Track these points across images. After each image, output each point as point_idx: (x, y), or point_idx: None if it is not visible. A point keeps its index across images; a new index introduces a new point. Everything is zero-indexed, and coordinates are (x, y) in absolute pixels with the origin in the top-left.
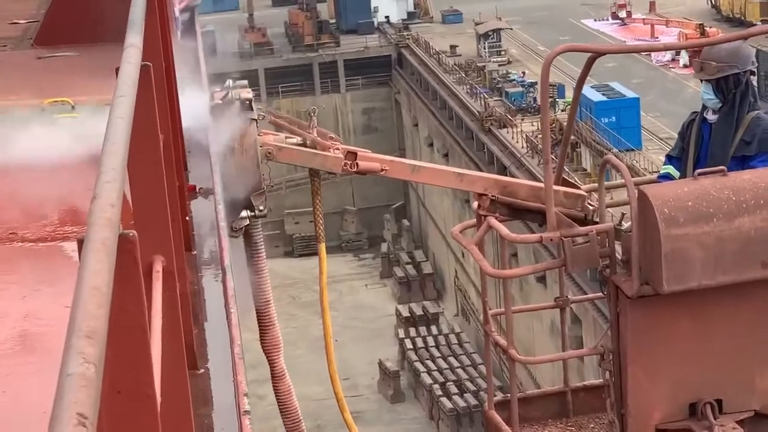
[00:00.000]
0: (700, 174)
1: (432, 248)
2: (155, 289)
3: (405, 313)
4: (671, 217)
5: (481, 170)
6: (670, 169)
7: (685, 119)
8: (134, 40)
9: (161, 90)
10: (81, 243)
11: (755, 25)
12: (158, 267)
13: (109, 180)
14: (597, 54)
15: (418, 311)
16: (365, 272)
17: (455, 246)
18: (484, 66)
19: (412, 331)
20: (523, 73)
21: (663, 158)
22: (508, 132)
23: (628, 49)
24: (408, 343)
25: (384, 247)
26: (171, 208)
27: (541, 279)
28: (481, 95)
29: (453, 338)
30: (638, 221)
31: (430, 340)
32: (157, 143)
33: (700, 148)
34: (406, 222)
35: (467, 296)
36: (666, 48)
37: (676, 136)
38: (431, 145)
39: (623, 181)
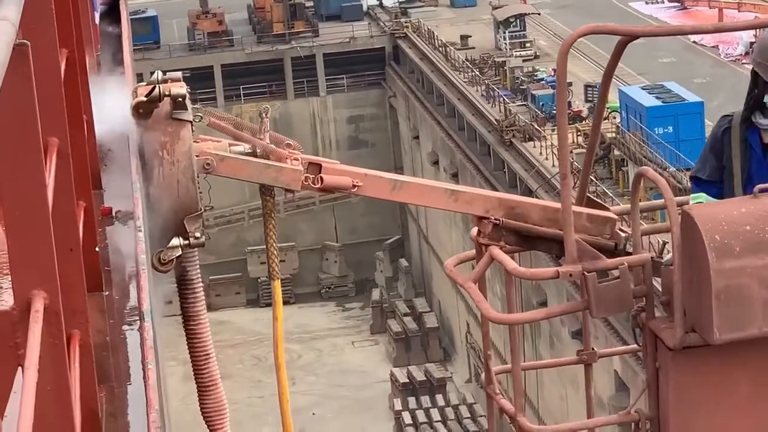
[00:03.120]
0: (761, 191)
1: (437, 295)
2: (32, 333)
3: (402, 379)
4: (724, 245)
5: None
6: (703, 198)
7: (714, 128)
8: (7, 12)
9: (53, 81)
10: None
11: None
12: (38, 305)
13: None
14: (629, 37)
15: (420, 376)
16: (352, 326)
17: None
18: (505, 62)
19: (412, 402)
20: (554, 70)
21: (695, 196)
22: (535, 146)
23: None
24: (406, 417)
25: (376, 293)
26: (65, 233)
27: (577, 334)
28: (501, 99)
29: (464, 410)
30: (682, 251)
31: (435, 413)
32: (37, 147)
33: (749, 163)
34: (404, 262)
35: (482, 357)
36: (720, 29)
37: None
38: (436, 162)
39: (663, 200)
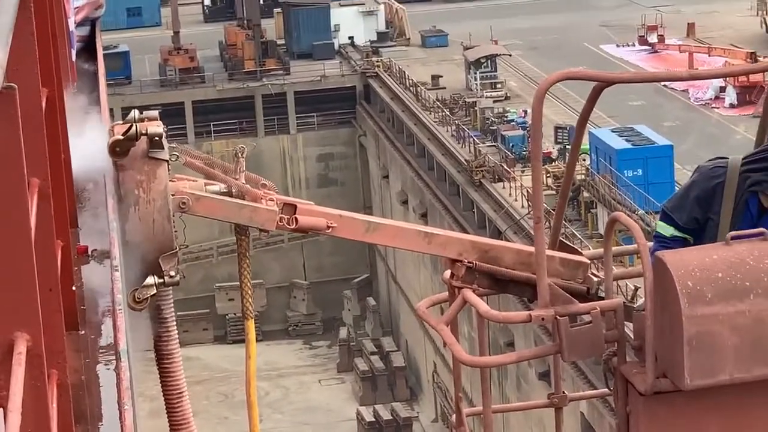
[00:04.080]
0: (733, 237)
1: (405, 335)
2: (15, 376)
3: (369, 418)
4: (696, 292)
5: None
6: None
7: (701, 178)
8: None
9: (36, 122)
10: None
11: None
12: (21, 347)
13: None
14: (605, 83)
15: (386, 415)
16: (319, 364)
17: (434, 332)
18: (475, 102)
19: None
20: (525, 111)
21: (663, 227)
22: (504, 187)
23: (645, 78)
24: None
25: (343, 332)
26: (46, 274)
27: (544, 376)
28: (471, 139)
29: None
30: (654, 297)
31: None
32: (22, 190)
33: (740, 223)
34: (371, 301)
35: (450, 397)
36: (696, 76)
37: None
38: (405, 202)
39: (636, 246)
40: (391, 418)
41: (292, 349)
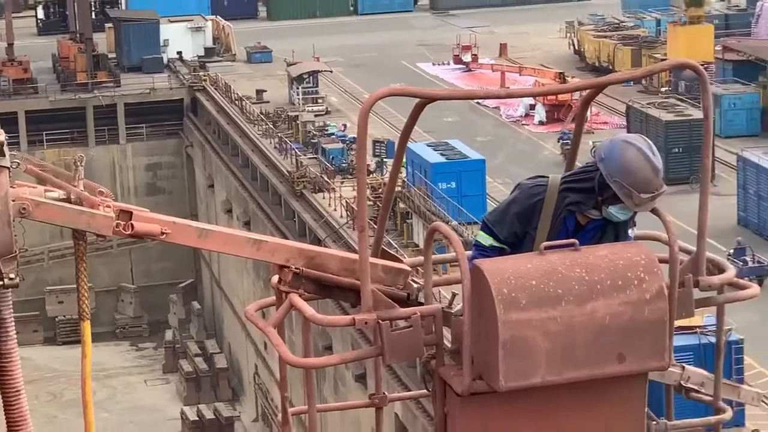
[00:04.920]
0: (547, 248)
1: (228, 337)
2: None
3: (192, 417)
4: (511, 298)
5: None
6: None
7: (522, 195)
8: None
9: None
10: None
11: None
12: None
13: None
14: (426, 99)
15: (209, 414)
16: (145, 365)
17: (256, 335)
18: (297, 116)
19: None
20: (344, 126)
21: (483, 237)
22: (324, 197)
23: (465, 95)
24: None
25: (169, 334)
26: None
27: (361, 378)
28: (293, 151)
29: None
30: (471, 303)
31: None
32: None
33: (556, 237)
34: (196, 305)
35: (269, 397)
36: (512, 95)
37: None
38: (229, 211)
39: (455, 254)
40: (214, 417)
41: (119, 350)
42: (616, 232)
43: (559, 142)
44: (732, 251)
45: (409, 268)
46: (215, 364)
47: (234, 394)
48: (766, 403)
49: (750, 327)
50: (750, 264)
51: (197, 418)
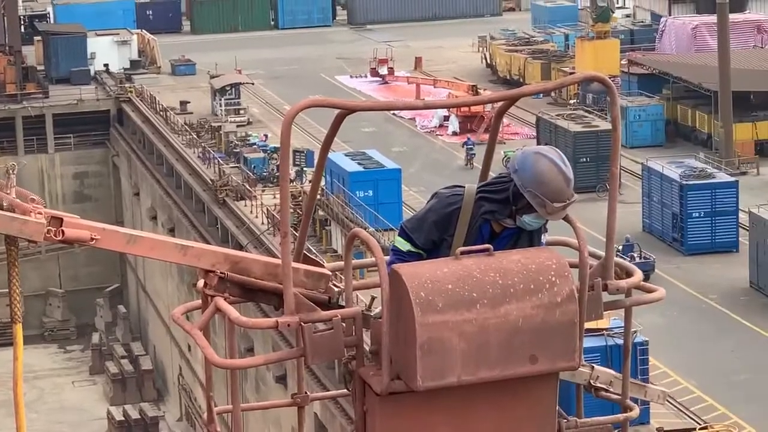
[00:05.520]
0: (462, 253)
1: (153, 340)
2: None
3: (119, 417)
4: (428, 301)
5: None
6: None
7: (440, 205)
8: None
9: None
10: None
11: None
12: None
13: None
14: (347, 110)
15: (135, 414)
16: (72, 367)
17: (180, 337)
18: (220, 126)
19: None
20: (266, 136)
21: (402, 243)
22: (246, 205)
23: (384, 106)
24: None
25: (95, 337)
26: None
27: (281, 379)
28: (216, 161)
29: None
30: (390, 306)
31: None
32: None
33: (472, 243)
34: (122, 308)
35: (193, 397)
36: (430, 106)
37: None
38: (155, 218)
39: (374, 259)
40: (140, 417)
41: (47, 352)
42: (530, 238)
43: (463, 147)
44: (621, 248)
45: (330, 273)
46: (140, 366)
47: (159, 395)
48: (670, 402)
49: (654, 330)
50: (637, 260)
51: (123, 418)
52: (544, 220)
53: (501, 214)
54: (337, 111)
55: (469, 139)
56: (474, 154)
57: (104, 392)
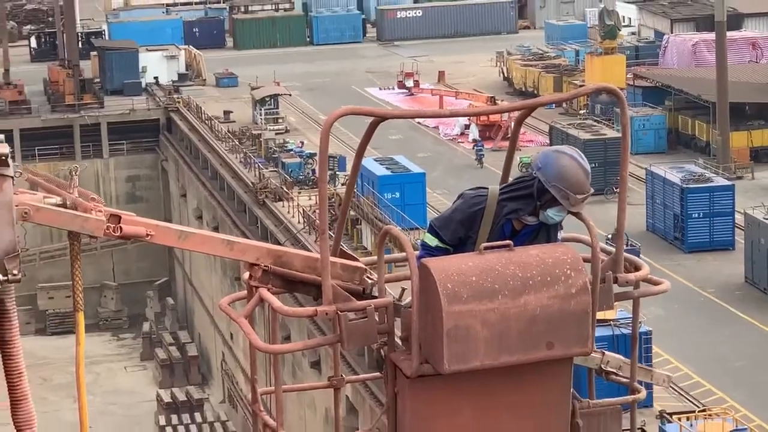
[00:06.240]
0: (485, 248)
1: (198, 329)
2: None
3: (167, 399)
4: (454, 292)
5: None
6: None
7: (465, 205)
8: None
9: None
10: None
11: None
12: None
13: None
14: (380, 118)
15: (181, 397)
16: (125, 353)
17: (223, 326)
18: (260, 134)
19: (174, 419)
20: (302, 142)
21: (430, 239)
22: (283, 205)
23: (413, 114)
24: None
25: (146, 326)
26: None
27: (316, 364)
28: (256, 165)
29: (218, 427)
30: (419, 296)
31: (194, 429)
32: None
33: (494, 240)
34: (170, 300)
35: (235, 381)
36: (455, 114)
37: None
38: (200, 217)
39: (404, 254)
40: (186, 399)
41: (102, 340)
42: (547, 235)
43: (473, 149)
44: (609, 236)
45: (364, 266)
46: (187, 353)
47: (203, 379)
48: (671, 386)
49: (657, 321)
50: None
51: (171, 400)
52: (565, 213)
53: (524, 212)
54: (371, 118)
55: (478, 142)
56: (483, 155)
57: (154, 377)
